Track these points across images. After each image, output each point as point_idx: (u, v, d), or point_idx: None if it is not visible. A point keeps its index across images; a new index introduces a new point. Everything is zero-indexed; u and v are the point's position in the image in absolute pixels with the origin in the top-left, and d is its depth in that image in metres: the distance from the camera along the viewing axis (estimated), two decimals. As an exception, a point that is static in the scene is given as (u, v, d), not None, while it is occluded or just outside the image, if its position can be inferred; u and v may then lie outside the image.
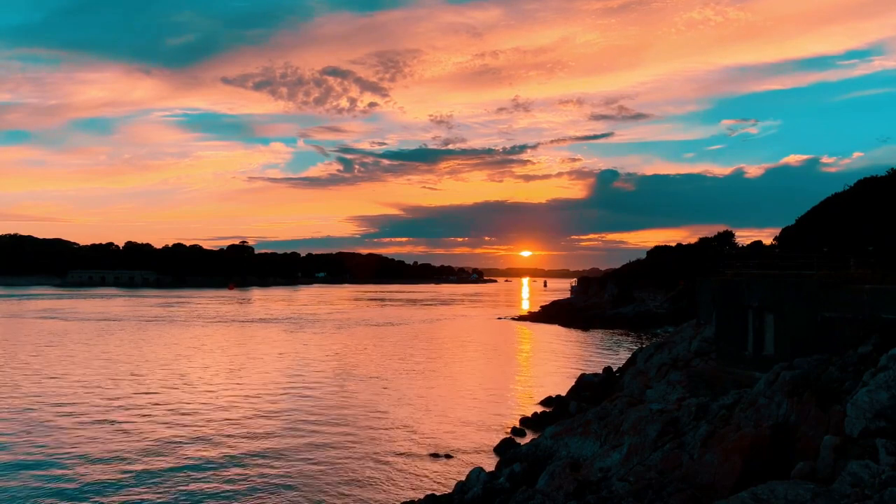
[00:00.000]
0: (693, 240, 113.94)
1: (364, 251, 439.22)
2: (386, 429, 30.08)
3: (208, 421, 31.13)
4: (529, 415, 32.49)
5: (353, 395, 38.14)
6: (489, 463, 24.22)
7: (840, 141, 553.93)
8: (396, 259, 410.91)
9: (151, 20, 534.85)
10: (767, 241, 68.69)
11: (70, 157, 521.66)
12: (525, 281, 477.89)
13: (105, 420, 31.03)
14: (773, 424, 14.66)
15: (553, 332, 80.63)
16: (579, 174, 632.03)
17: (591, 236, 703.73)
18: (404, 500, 20.80)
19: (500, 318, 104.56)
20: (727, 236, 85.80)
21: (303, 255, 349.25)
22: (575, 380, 38.54)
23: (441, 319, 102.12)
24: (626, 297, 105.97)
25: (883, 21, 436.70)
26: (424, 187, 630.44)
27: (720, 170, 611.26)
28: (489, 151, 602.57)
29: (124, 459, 24.73)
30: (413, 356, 55.84)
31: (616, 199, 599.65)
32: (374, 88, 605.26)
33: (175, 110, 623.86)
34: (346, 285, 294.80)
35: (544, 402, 36.07)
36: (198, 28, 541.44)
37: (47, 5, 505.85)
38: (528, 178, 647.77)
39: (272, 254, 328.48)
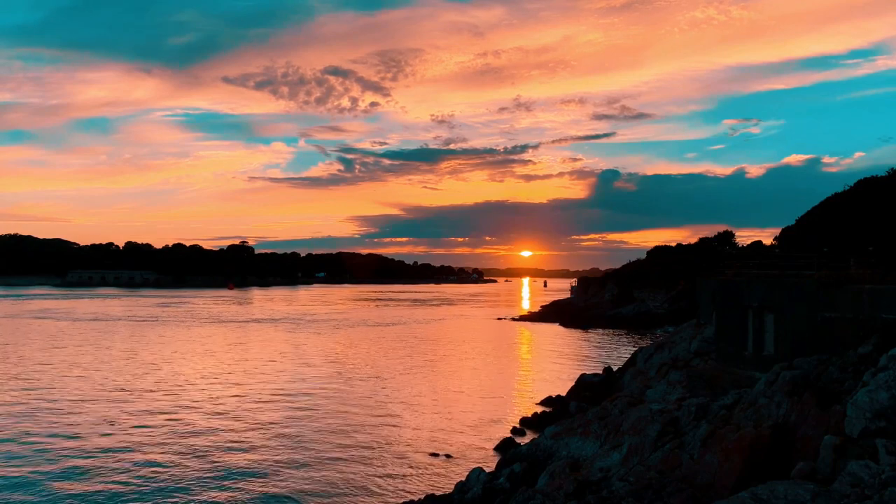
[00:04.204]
0: (694, 240, 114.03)
1: (364, 251, 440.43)
2: (385, 429, 30.07)
3: (206, 421, 31.12)
4: (529, 415, 32.48)
5: (353, 395, 38.13)
6: (489, 463, 24.21)
7: (841, 141, 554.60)
8: (396, 259, 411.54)
9: (152, 19, 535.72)
10: (768, 241, 68.77)
11: (70, 156, 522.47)
12: (525, 281, 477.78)
13: (105, 420, 31.06)
14: (773, 424, 14.66)
15: (553, 332, 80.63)
16: (580, 174, 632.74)
17: (591, 236, 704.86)
18: (404, 500, 20.80)
19: (500, 319, 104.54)
20: (727, 236, 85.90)
21: (303, 255, 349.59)
22: (575, 380, 38.54)
23: (441, 320, 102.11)
24: (626, 297, 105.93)
25: (887, 20, 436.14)
26: (425, 187, 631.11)
27: (721, 170, 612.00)
28: (490, 151, 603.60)
29: (121, 458, 24.76)
30: (413, 356, 55.83)
31: (617, 199, 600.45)
32: (375, 88, 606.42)
33: (176, 110, 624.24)
34: (346, 285, 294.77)
35: (544, 402, 36.06)
36: (199, 27, 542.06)
37: (47, 5, 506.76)
38: (529, 177, 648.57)
39: (272, 254, 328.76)
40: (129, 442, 27.15)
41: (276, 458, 25.31)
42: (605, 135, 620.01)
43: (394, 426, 30.58)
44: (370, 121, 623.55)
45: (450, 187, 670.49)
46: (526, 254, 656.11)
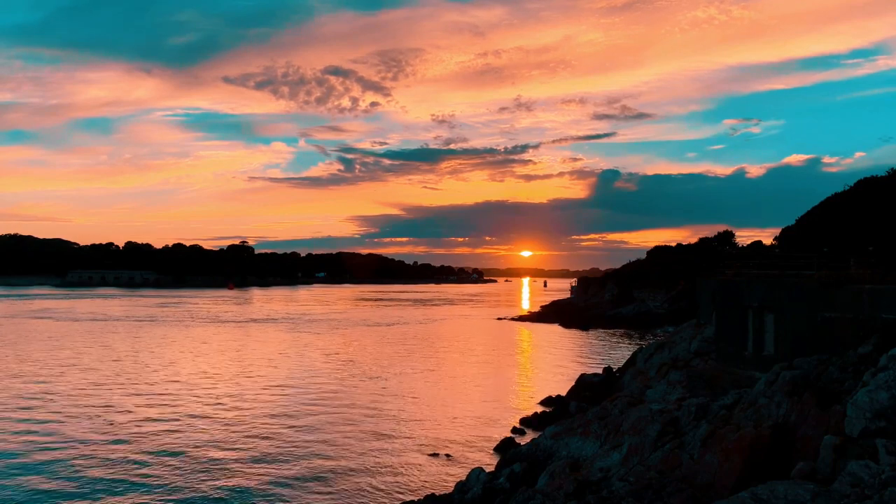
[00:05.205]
0: (694, 240, 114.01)
1: (364, 251, 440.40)
2: (386, 429, 30.07)
3: (206, 421, 31.13)
4: (529, 415, 32.50)
5: (353, 395, 38.14)
6: (489, 463, 24.22)
7: (842, 141, 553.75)
8: (396, 259, 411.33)
9: (152, 19, 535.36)
10: (768, 241, 68.76)
11: (71, 156, 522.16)
12: (525, 281, 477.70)
13: (104, 420, 31.07)
14: (773, 424, 14.66)
15: (553, 333, 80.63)
16: (581, 174, 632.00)
17: (591, 236, 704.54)
18: (404, 500, 20.81)
19: (500, 319, 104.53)
20: (727, 236, 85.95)
21: (303, 255, 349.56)
22: (575, 380, 38.54)
23: (441, 320, 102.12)
24: (626, 297, 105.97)
25: (887, 20, 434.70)
26: (425, 187, 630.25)
27: (722, 169, 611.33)
28: (491, 151, 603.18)
29: (122, 458, 24.76)
30: (413, 356, 55.84)
31: (617, 199, 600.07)
32: (375, 88, 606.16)
33: (176, 110, 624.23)
34: (346, 285, 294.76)
35: (544, 402, 36.08)
36: (199, 27, 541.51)
37: (48, 4, 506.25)
38: (529, 177, 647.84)
39: (272, 254, 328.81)
40: (128, 442, 27.14)
41: (276, 457, 25.31)
42: (606, 135, 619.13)
43: (394, 426, 30.58)
44: (370, 121, 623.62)
45: (450, 187, 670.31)
46: (526, 254, 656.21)
